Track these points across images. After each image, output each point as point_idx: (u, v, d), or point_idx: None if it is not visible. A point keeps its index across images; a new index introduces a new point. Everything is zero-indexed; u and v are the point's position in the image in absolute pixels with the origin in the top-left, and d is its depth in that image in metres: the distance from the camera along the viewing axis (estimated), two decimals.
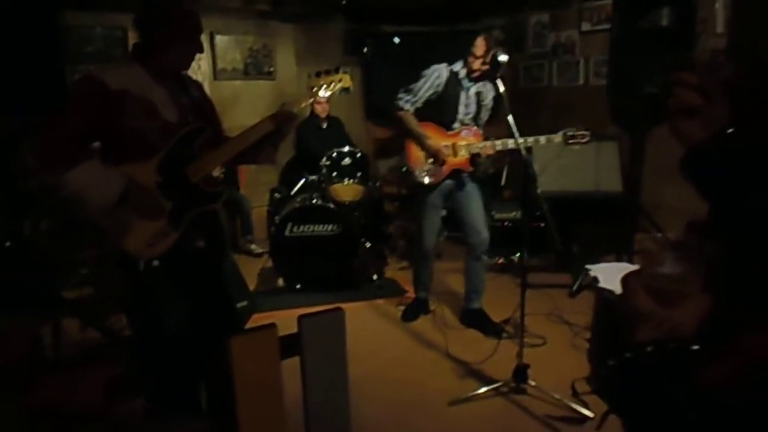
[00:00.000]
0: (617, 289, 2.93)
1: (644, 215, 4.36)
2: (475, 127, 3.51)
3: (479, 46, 3.33)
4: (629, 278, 0.90)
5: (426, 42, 6.16)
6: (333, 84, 2.39)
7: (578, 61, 5.46)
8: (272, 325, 1.56)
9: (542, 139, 3.26)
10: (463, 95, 3.49)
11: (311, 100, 2.50)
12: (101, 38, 5.27)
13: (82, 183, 1.95)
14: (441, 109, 3.50)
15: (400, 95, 3.54)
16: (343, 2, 5.12)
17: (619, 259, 4.30)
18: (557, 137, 3.25)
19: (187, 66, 2.23)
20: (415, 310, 4.00)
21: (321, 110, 5.29)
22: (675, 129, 1.04)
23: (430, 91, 3.49)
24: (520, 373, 2.93)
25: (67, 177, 1.94)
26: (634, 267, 3.42)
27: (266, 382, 1.50)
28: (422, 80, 3.50)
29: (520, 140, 2.98)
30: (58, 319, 3.17)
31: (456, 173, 3.55)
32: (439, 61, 3.54)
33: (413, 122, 3.51)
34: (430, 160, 3.50)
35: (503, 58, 2.88)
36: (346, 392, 1.60)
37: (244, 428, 1.52)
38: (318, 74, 2.40)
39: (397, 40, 6.38)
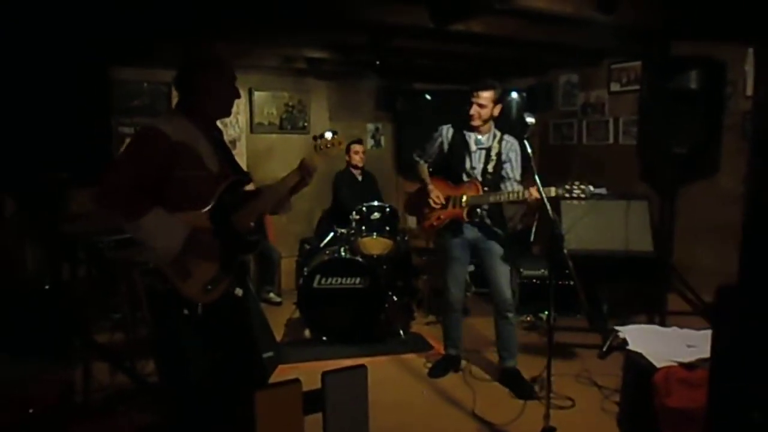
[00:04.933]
0: (646, 352, 2.89)
1: (676, 275, 4.29)
2: (477, 181, 3.60)
3: (480, 95, 3.55)
4: None
5: (456, 99, 6.29)
6: (335, 144, 2.47)
7: (607, 121, 5.51)
8: (296, 381, 1.59)
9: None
10: (467, 151, 3.65)
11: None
12: (147, 93, 5.56)
13: (151, 230, 2.06)
14: (449, 165, 3.72)
15: (416, 153, 3.88)
16: (377, 62, 5.30)
17: (650, 320, 4.22)
18: (551, 191, 3.15)
19: (229, 113, 2.37)
20: (443, 366, 3.95)
21: (359, 159, 5.48)
22: None
23: (436, 151, 3.78)
24: None
25: (136, 224, 2.04)
26: (663, 330, 3.36)
27: None
28: (430, 141, 3.81)
29: (515, 192, 3.31)
30: (89, 363, 3.23)
31: (455, 224, 3.67)
32: (462, 115, 3.70)
33: (424, 173, 3.81)
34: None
35: (531, 120, 2.94)
36: None
37: None
38: (321, 136, 2.50)
39: (428, 97, 6.54)
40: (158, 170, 2.08)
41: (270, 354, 3.77)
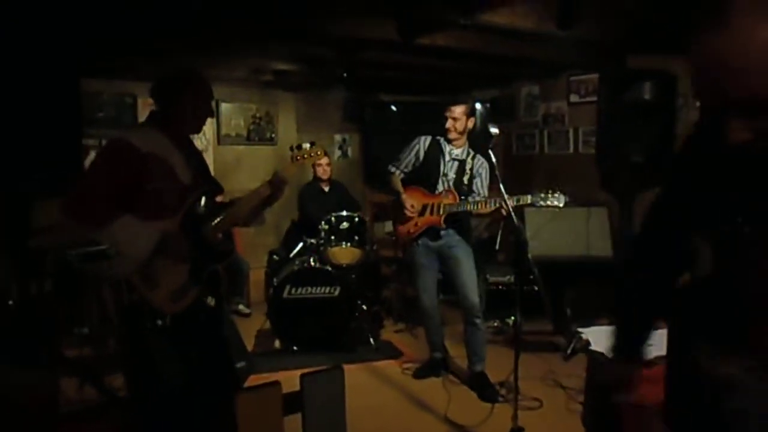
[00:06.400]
0: (608, 351, 2.99)
1: None
2: (453, 191, 3.75)
3: (453, 109, 3.69)
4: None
5: (422, 111, 6.42)
6: (312, 155, 2.55)
7: (567, 131, 5.71)
8: (276, 383, 1.64)
9: (511, 200, 3.29)
10: (443, 160, 3.80)
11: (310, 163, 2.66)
12: (112, 105, 5.51)
13: (120, 237, 2.08)
14: (424, 174, 3.85)
15: (391, 163, 3.98)
16: (344, 74, 5.38)
17: (611, 322, 4.37)
18: (527, 198, 3.40)
19: (200, 129, 2.41)
20: (426, 369, 4.07)
21: (322, 172, 5.43)
22: None
23: (412, 159, 3.88)
24: None
25: (106, 232, 2.06)
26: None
27: None
28: (405, 150, 3.92)
29: (489, 200, 3.44)
30: (57, 378, 3.19)
31: (432, 230, 3.78)
32: (434, 129, 3.84)
33: (397, 183, 3.91)
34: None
35: (494, 130, 3.06)
36: None
37: None
38: (299, 147, 2.56)
39: (394, 108, 6.65)
40: (126, 181, 2.10)
41: (242, 364, 3.77)
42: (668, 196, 1.34)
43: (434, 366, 4.06)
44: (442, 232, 3.78)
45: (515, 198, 3.40)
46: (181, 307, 2.22)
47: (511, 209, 3.07)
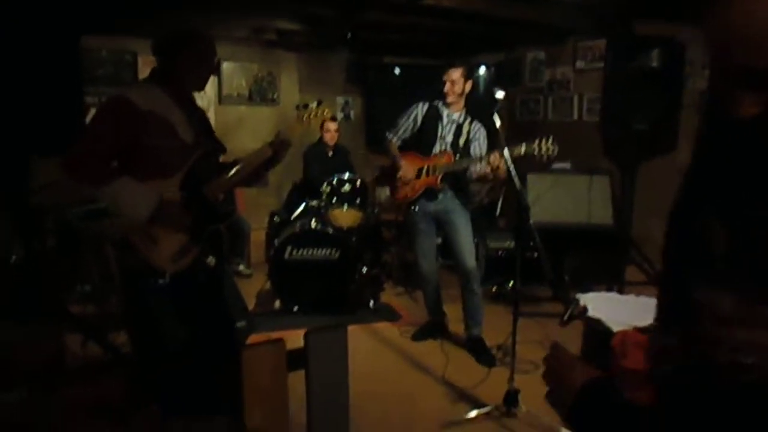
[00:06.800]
0: (605, 317, 3.04)
1: (634, 247, 4.49)
2: (449, 151, 3.75)
3: (450, 72, 3.68)
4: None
5: (425, 73, 6.36)
6: (318, 114, 2.53)
7: (572, 97, 5.65)
8: (280, 340, 1.66)
9: (506, 152, 3.19)
10: (440, 123, 3.79)
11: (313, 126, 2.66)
12: (111, 62, 5.44)
13: (118, 198, 2.08)
14: (421, 139, 3.84)
15: (388, 130, 3.97)
16: (348, 35, 5.30)
17: (609, 290, 4.42)
18: (522, 147, 3.34)
19: (203, 87, 2.38)
20: (424, 331, 4.13)
21: (330, 138, 5.42)
22: None
23: (410, 125, 3.88)
24: (511, 398, 3.00)
25: (105, 191, 2.06)
26: (621, 297, 3.50)
27: (274, 393, 1.59)
28: (403, 117, 3.90)
29: (485, 157, 3.45)
30: (62, 334, 3.23)
31: (429, 191, 3.78)
32: (436, 92, 3.81)
33: (393, 149, 3.92)
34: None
35: (500, 94, 3.03)
36: (346, 404, 1.69)
37: None
38: (305, 106, 2.54)
39: (397, 71, 6.57)
40: (124, 139, 2.09)
41: (242, 323, 3.82)
42: (690, 178, 1.28)
43: (432, 329, 4.12)
44: (440, 195, 3.79)
45: (509, 151, 3.35)
46: (181, 267, 2.24)
47: (513, 171, 3.03)
